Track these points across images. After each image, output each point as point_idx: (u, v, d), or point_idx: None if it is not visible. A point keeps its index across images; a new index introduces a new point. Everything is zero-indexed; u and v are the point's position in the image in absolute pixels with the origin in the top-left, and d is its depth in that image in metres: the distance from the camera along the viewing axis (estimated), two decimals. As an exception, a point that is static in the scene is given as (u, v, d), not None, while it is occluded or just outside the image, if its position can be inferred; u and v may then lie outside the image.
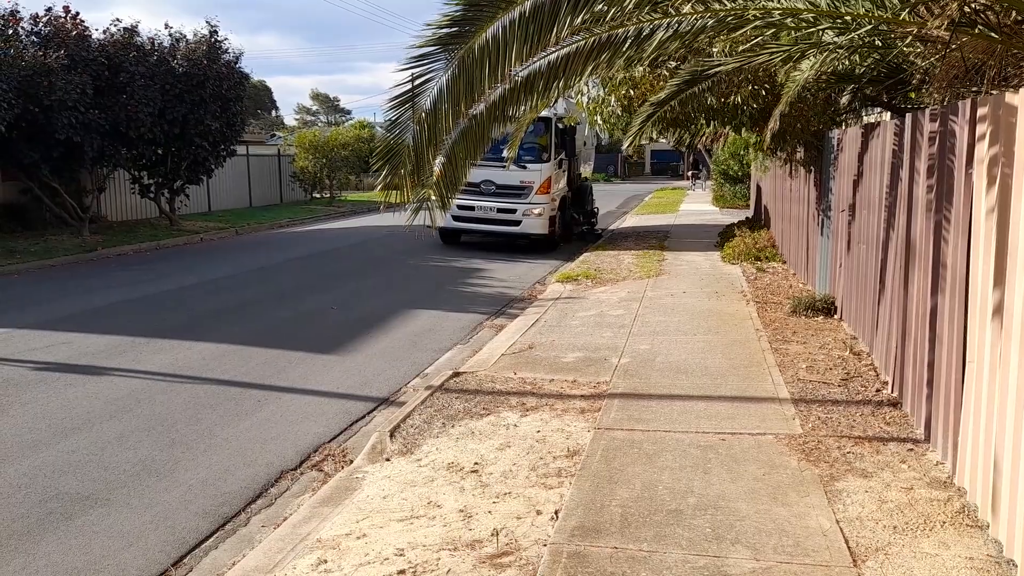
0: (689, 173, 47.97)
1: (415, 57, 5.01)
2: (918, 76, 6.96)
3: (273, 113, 77.44)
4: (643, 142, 10.52)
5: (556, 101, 5.85)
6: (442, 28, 4.87)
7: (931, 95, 6.51)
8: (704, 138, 12.44)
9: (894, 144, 6.39)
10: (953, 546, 3.95)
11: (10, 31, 16.37)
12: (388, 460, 5.39)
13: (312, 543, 4.25)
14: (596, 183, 48.81)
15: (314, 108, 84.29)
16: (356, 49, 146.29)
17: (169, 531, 4.67)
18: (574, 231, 19.33)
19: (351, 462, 5.55)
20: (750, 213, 21.89)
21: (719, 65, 6.95)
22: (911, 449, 5.21)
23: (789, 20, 4.96)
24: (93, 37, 17.91)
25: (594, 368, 7.42)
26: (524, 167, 16.84)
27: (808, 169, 10.94)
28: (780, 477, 4.82)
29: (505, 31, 4.71)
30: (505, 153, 14.44)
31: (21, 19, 16.93)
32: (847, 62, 7.42)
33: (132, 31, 18.68)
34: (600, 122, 11.70)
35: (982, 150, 4.31)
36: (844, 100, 9.16)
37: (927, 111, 5.42)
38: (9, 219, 18.40)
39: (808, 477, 4.81)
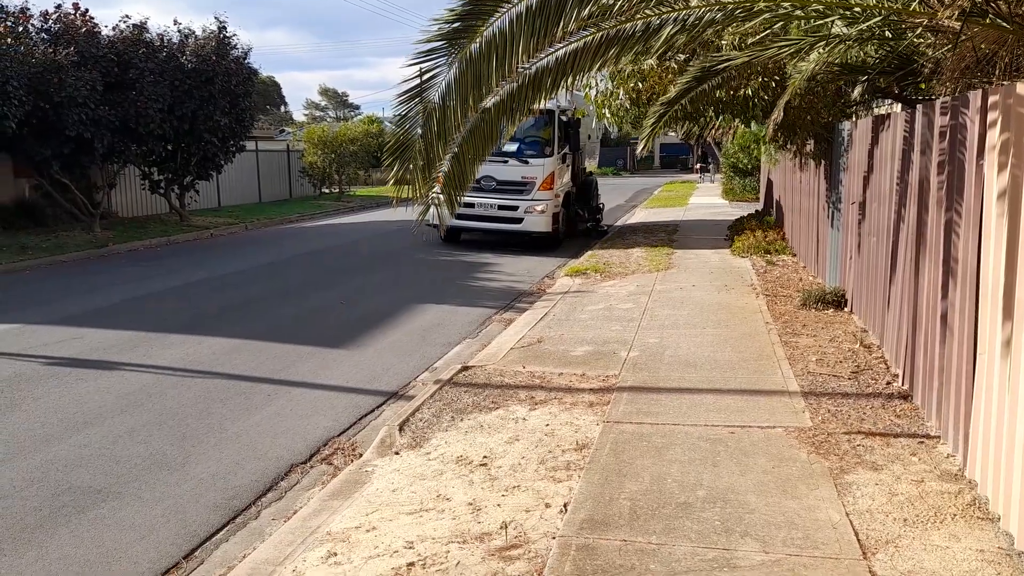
0: (697, 166, 47.80)
1: (422, 52, 5.01)
2: (929, 67, 6.91)
3: (282, 109, 77.60)
4: (652, 136, 10.47)
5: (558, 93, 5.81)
6: (448, 23, 4.87)
7: (942, 86, 6.47)
8: (713, 131, 12.41)
9: (904, 136, 6.36)
10: (964, 539, 3.93)
11: (20, 28, 16.43)
12: (397, 454, 5.41)
13: (322, 536, 4.27)
14: (605, 177, 48.70)
15: (323, 103, 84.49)
16: (364, 44, 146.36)
17: (180, 524, 4.70)
18: (579, 228, 18.70)
19: (360, 456, 5.57)
20: (760, 206, 21.82)
21: (728, 60, 6.92)
22: (922, 442, 5.19)
23: (799, 11, 4.94)
24: (102, 34, 17.96)
25: (603, 362, 7.41)
26: (526, 162, 16.25)
27: (818, 162, 10.89)
28: (790, 470, 4.81)
29: (512, 25, 4.70)
30: (515, 148, 14.33)
31: (31, 16, 16.99)
32: (859, 54, 7.38)
33: (141, 27, 18.72)
34: (609, 115, 11.68)
35: (993, 141, 4.28)
36: (855, 92, 9.12)
37: (937, 102, 5.38)
38: (21, 215, 18.51)
39: (818, 470, 4.80)
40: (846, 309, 9.00)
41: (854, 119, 9.44)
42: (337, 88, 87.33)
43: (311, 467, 5.58)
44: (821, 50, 6.08)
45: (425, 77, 5.12)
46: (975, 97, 4.60)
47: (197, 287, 12.45)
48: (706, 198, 29.65)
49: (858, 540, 3.94)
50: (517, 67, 5.08)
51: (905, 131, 6.33)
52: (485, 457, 5.22)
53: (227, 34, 20.37)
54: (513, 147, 16.10)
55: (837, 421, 5.61)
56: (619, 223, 22.08)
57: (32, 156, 16.87)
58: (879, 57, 7.52)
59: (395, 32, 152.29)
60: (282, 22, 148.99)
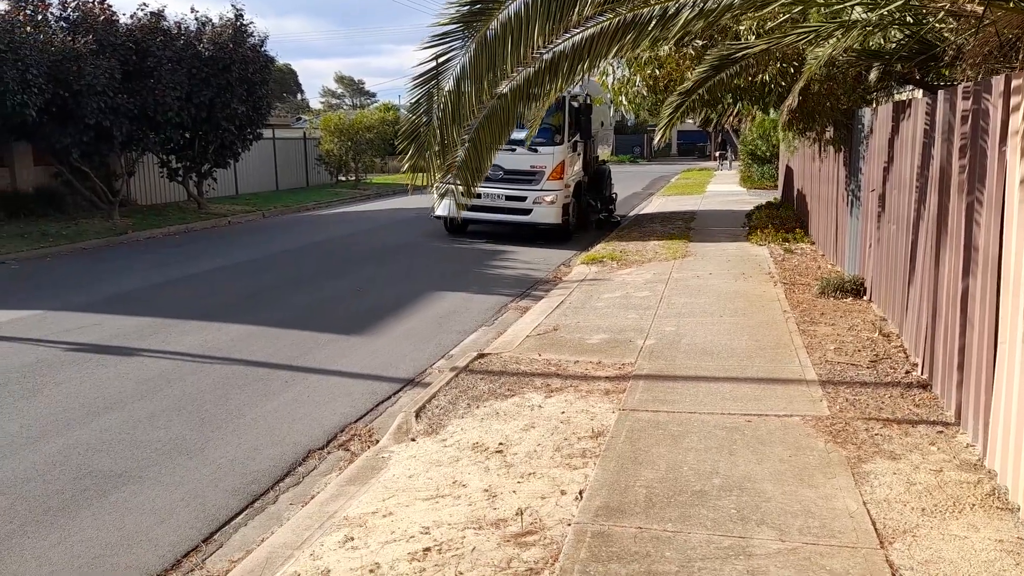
0: (716, 154, 47.51)
1: (437, 36, 5.00)
2: (950, 52, 6.81)
3: (299, 96, 77.75)
4: (669, 124, 10.39)
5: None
6: (463, 5, 4.85)
7: (964, 72, 6.38)
8: (731, 118, 12.30)
9: (926, 122, 6.28)
10: (982, 528, 3.91)
11: (39, 17, 16.54)
12: (414, 440, 5.44)
13: (339, 521, 4.31)
14: (622, 164, 48.49)
15: (339, 91, 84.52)
16: (380, 31, 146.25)
17: (200, 508, 4.75)
18: (590, 219, 17.91)
19: (377, 442, 5.61)
20: (778, 194, 21.65)
21: (747, 48, 6.85)
22: (941, 431, 5.15)
23: (818, -4, 4.88)
24: (120, 22, 18.04)
25: (619, 350, 7.40)
26: (535, 150, 15.42)
27: (838, 148, 10.78)
28: (807, 459, 4.79)
29: (527, 8, 4.68)
30: (523, 135, 13.90)
31: (50, 5, 17.08)
32: (880, 40, 7.29)
33: (159, 15, 18.79)
34: (626, 103, 11.61)
35: (1016, 126, 4.22)
36: (874, 78, 9.00)
37: (959, 88, 5.30)
38: (41, 203, 18.68)
39: (835, 459, 4.77)
40: (865, 297, 8.93)
41: (874, 105, 9.34)
42: (353, 76, 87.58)
43: (328, 453, 5.62)
44: (840, 36, 6.01)
45: (440, 61, 5.10)
46: (998, 82, 4.53)
47: (214, 274, 12.54)
48: (724, 186, 29.46)
49: (875, 529, 3.93)
50: (533, 52, 5.06)
51: (926, 117, 6.25)
52: (501, 444, 5.23)
53: (244, 22, 20.41)
54: (521, 134, 15.24)
55: (855, 410, 5.58)
56: (636, 211, 21.99)
57: (52, 144, 17.00)
58: (899, 42, 7.41)
59: (412, 19, 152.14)
60: (298, 10, 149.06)
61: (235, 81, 19.75)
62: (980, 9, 4.64)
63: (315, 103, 78.53)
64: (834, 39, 6.15)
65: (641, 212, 21.48)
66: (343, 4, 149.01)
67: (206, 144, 20.49)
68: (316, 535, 4.17)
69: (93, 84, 16.23)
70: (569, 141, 16.10)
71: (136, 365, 7.50)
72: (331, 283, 11.71)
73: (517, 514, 4.23)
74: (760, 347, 7.28)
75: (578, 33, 5.19)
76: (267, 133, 25.62)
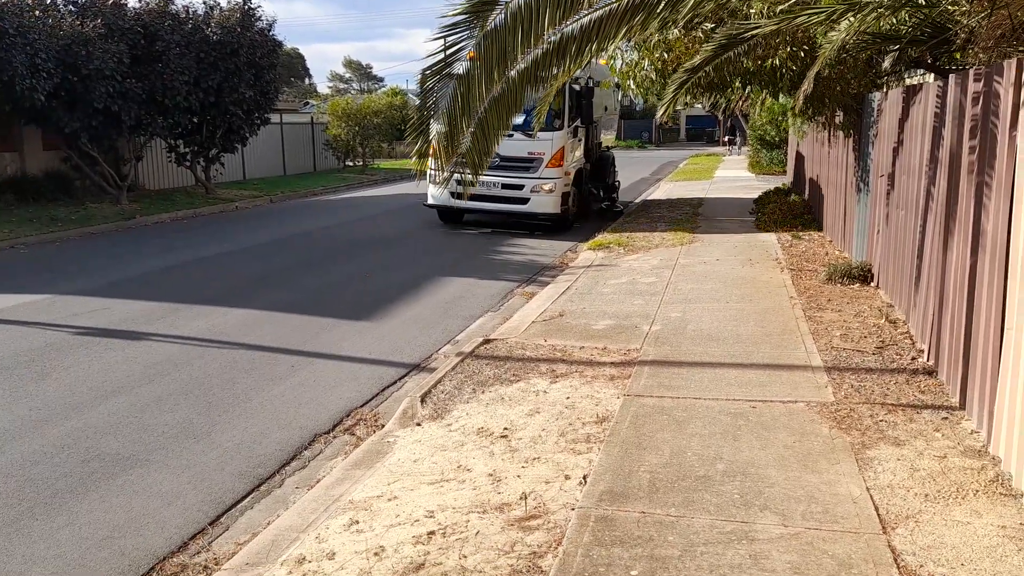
0: (725, 139, 47.24)
1: (447, 26, 4.99)
2: (963, 36, 6.73)
3: (306, 81, 77.62)
4: (678, 108, 10.33)
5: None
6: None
7: (976, 55, 6.30)
8: (740, 102, 12.21)
9: (936, 107, 6.22)
10: (985, 514, 3.90)
11: (48, 1, 16.54)
12: (419, 425, 5.46)
13: (344, 504, 4.33)
14: (629, 150, 48.26)
15: (347, 76, 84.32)
16: (389, 15, 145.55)
17: (207, 491, 4.79)
18: (592, 208, 17.28)
19: (383, 426, 5.63)
20: (787, 179, 21.54)
21: (756, 28, 6.78)
22: (945, 418, 5.14)
23: (829, -22, 4.83)
24: (129, 6, 18.06)
25: (625, 335, 7.40)
26: (530, 135, 14.40)
27: (847, 134, 10.70)
28: (811, 444, 4.79)
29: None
30: (530, 120, 13.48)
31: (58, -11, 17.11)
32: (892, 21, 7.21)
33: (167, -1, 18.80)
34: (633, 87, 11.53)
35: (1026, 112, 4.17)
36: (886, 62, 8.92)
37: (970, 71, 5.25)
38: (50, 187, 18.76)
39: (839, 445, 4.77)
40: (872, 284, 8.89)
41: (884, 90, 9.25)
42: (361, 60, 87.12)
43: (334, 437, 5.65)
44: (852, 18, 5.94)
45: (451, 51, 5.09)
46: (1009, 67, 4.48)
47: (222, 259, 12.57)
48: (732, 171, 29.32)
49: (878, 515, 3.93)
50: (542, 40, 5.03)
51: (937, 101, 6.19)
52: (506, 429, 5.25)
53: (252, 5, 20.41)
54: (519, 119, 14.98)
55: (860, 396, 5.57)
56: (643, 197, 21.91)
57: (61, 128, 17.06)
58: (912, 25, 7.33)
59: (421, 3, 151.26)
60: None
61: (243, 65, 19.74)
62: (992, -9, 4.59)
63: (323, 88, 78.50)
64: (846, 21, 6.09)
65: (648, 198, 21.39)
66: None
67: (214, 129, 20.52)
68: (322, 518, 4.20)
69: (102, 68, 16.25)
70: (569, 126, 15.36)
71: (144, 349, 7.54)
72: (338, 268, 11.74)
73: (521, 498, 4.25)
74: (766, 333, 7.27)
75: (587, 15, 5.16)
76: (275, 118, 25.61)
